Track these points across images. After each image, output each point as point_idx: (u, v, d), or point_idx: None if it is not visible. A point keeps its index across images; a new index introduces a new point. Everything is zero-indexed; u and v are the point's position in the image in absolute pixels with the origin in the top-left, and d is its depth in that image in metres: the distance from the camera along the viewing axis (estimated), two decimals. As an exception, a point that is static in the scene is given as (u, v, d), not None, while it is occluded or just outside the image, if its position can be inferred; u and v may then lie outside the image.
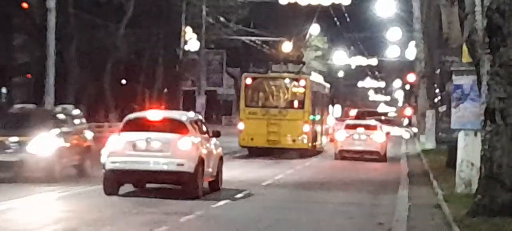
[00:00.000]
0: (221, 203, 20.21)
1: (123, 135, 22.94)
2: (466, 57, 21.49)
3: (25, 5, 58.49)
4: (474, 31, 18.68)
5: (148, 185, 23.04)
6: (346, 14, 73.19)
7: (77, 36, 53.67)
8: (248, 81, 44.03)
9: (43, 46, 44.61)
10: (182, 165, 21.95)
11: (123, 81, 68.39)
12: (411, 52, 69.70)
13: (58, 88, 43.94)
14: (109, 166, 22.12)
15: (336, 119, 59.63)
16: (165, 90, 68.86)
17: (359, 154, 42.37)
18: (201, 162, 22.50)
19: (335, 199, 22.14)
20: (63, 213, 18.03)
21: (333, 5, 66.10)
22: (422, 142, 50.00)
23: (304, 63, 50.30)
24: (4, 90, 63.08)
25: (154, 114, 24.51)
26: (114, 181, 22.34)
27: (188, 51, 66.90)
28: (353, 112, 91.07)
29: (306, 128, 41.79)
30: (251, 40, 74.06)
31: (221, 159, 25.04)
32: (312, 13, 74.64)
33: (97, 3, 54.28)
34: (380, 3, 64.22)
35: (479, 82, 18.10)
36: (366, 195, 23.16)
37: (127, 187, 22.30)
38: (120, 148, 22.40)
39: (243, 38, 72.09)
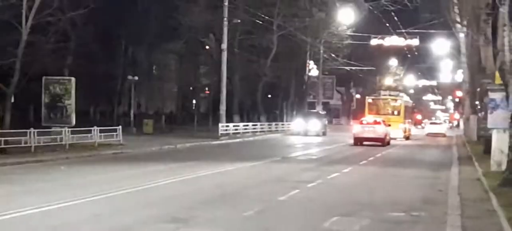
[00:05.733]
0: (334, 175, 19.88)
1: (359, 125, 39.63)
2: (498, 80, 20.88)
3: (207, 47, 59.79)
4: (503, 63, 18.18)
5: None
6: (415, 51, 71.83)
7: (240, 67, 54.36)
8: (369, 100, 50.46)
9: (218, 73, 45.42)
10: (380, 135, 37.95)
11: (269, 96, 68.84)
12: (459, 77, 68.39)
13: (227, 101, 44.63)
14: (354, 135, 38.56)
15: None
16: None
17: (436, 135, 58.89)
18: (386, 134, 38.59)
19: (408, 173, 21.80)
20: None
21: (406, 45, 65.32)
22: (467, 136, 48.78)
23: (400, 90, 59.78)
24: (194, 101, 64.43)
25: (369, 117, 41.96)
26: (357, 141, 37.87)
27: (311, 76, 66.90)
28: (419, 116, 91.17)
29: (401, 125, 47.77)
30: (351, 69, 73.42)
31: (389, 134, 39.83)
32: (392, 50, 73.88)
33: (253, 46, 54.88)
34: (437, 43, 62.77)
35: (507, 97, 17.66)
36: (429, 171, 22.73)
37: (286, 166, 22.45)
38: (358, 129, 38.88)
39: (346, 68, 71.54)
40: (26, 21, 30.74)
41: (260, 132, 51.06)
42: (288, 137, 47.93)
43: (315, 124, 51.10)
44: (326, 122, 56.56)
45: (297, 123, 53.19)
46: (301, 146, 36.57)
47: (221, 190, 15.65)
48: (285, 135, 51.48)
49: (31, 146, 24.69)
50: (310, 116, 53.24)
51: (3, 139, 23.77)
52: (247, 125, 50.78)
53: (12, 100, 31.47)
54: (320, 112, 57.64)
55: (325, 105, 77.19)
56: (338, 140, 43.71)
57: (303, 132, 50.07)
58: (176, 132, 44.53)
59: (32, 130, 25.19)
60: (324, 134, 50.97)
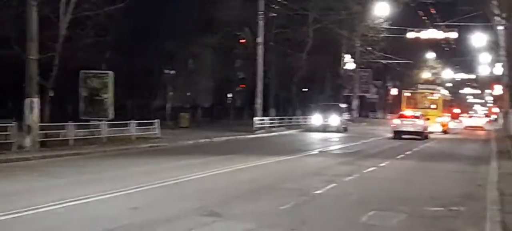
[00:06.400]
0: (370, 169, 19.75)
1: (398, 119, 39.74)
2: (538, 73, 20.60)
3: (242, 41, 59.83)
4: (545, 55, 17.89)
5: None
6: (453, 44, 70.97)
7: (275, 61, 54.32)
8: (407, 94, 50.15)
9: (254, 67, 45.41)
10: (419, 128, 38.46)
11: (305, 89, 68.67)
12: (498, 70, 67.34)
13: (263, 94, 44.62)
14: (394, 129, 39.27)
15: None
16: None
17: (474, 128, 61.04)
18: (425, 128, 39.29)
19: (446, 168, 21.56)
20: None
21: (444, 38, 64.59)
22: (506, 130, 48.02)
23: (438, 84, 62.02)
24: (229, 95, 64.56)
25: (408, 112, 41.70)
26: (396, 134, 38.39)
27: (347, 69, 66.59)
28: (456, 110, 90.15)
29: (439, 119, 47.37)
30: (388, 62, 72.91)
31: (427, 128, 40.29)
32: (429, 44, 73.14)
33: (288, 39, 54.73)
34: (475, 36, 61.88)
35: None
36: (468, 166, 22.42)
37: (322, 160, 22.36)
38: (398, 122, 39.40)
39: (383, 61, 71.01)
40: (65, 15, 31.14)
41: (296, 125, 50.88)
42: (307, 133, 43.90)
43: (334, 119, 46.11)
44: (348, 116, 52.66)
45: (315, 118, 47.62)
46: (336, 140, 36.46)
47: (258, 183, 15.65)
48: (301, 130, 46.66)
49: (69, 139, 24.94)
50: (328, 110, 47.35)
51: (42, 132, 24.06)
52: (283, 119, 50.68)
53: (52, 94, 31.93)
54: (341, 105, 51.51)
55: (361, 99, 76.74)
56: (375, 134, 43.46)
57: (322, 128, 45.34)
58: (212, 126, 44.68)
59: (70, 123, 25.45)
60: (345, 129, 46.20)
